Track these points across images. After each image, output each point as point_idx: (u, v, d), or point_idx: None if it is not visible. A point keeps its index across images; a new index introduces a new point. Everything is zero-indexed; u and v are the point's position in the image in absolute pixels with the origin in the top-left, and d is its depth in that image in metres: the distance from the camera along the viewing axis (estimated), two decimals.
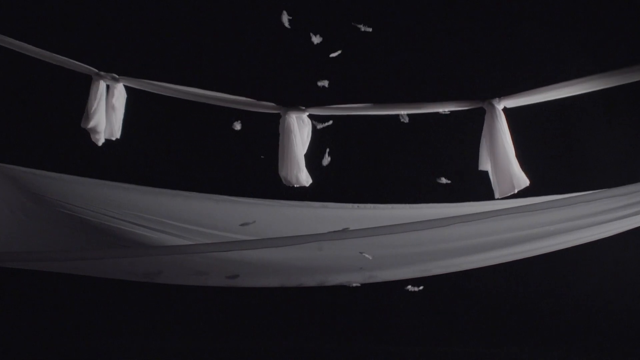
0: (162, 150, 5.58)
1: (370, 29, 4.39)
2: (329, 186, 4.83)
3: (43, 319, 5.62)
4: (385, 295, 5.65)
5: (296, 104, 4.25)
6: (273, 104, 4.23)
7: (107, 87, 4.21)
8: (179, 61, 5.54)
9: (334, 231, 3.81)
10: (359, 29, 4.37)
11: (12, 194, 4.32)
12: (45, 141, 5.37)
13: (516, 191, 4.06)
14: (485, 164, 4.17)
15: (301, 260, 4.24)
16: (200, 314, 5.72)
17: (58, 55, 4.05)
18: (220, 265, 4.26)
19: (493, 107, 4.08)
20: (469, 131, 4.34)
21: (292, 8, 4.30)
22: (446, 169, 5.12)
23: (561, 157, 5.60)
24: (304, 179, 4.27)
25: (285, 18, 4.28)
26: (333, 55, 4.42)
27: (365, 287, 4.85)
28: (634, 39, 5.38)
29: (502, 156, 4.04)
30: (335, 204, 4.45)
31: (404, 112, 4.21)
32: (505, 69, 5.50)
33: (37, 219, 4.34)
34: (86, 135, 5.36)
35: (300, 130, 4.22)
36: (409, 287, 4.90)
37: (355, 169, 5.67)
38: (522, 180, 4.05)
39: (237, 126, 4.39)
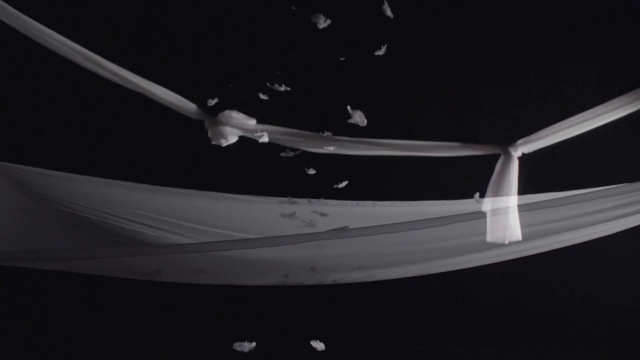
0: (162, 148, 5.57)
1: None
2: (329, 183, 4.82)
3: (43, 318, 5.62)
4: (385, 295, 5.65)
5: None
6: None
7: None
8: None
9: (334, 229, 3.81)
10: None
11: (12, 193, 4.32)
12: (46, 139, 5.37)
13: (507, 242, 4.01)
14: (487, 207, 4.08)
15: (300, 259, 4.24)
16: (200, 313, 5.71)
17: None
18: (220, 264, 4.26)
19: (510, 155, 3.87)
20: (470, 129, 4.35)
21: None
22: (446, 167, 5.11)
23: (561, 156, 5.59)
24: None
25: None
26: None
27: (365, 286, 4.85)
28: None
29: (504, 206, 3.96)
30: (334, 201, 4.46)
31: (411, 154, 3.99)
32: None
33: (37, 217, 4.34)
34: (86, 134, 5.37)
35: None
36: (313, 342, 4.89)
37: (354, 166, 5.67)
38: (515, 235, 3.98)
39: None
